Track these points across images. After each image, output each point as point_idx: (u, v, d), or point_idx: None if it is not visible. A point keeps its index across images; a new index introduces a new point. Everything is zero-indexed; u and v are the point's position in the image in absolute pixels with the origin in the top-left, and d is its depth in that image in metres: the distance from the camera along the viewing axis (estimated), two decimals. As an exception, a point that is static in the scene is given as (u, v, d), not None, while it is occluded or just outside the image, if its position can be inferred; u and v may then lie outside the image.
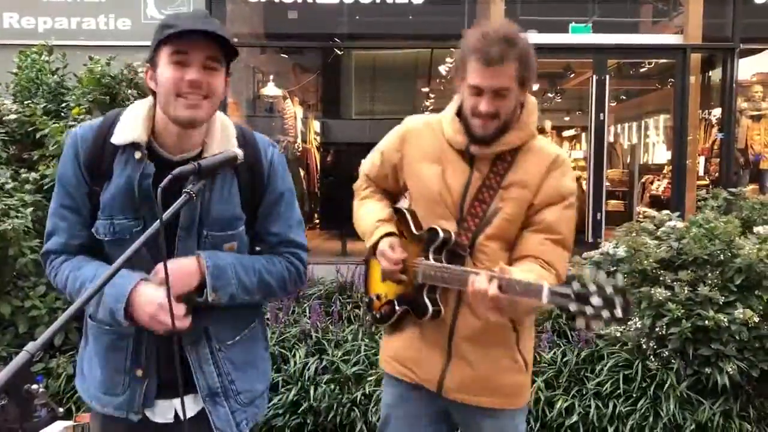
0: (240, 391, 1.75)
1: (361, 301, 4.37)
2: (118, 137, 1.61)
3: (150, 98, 1.66)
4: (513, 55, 1.77)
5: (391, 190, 2.18)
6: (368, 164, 2.19)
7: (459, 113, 1.95)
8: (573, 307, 1.59)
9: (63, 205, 1.68)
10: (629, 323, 3.77)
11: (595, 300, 1.56)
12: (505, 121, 1.87)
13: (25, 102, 4.37)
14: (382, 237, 1.99)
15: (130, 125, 1.62)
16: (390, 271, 1.97)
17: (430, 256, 1.90)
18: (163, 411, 1.71)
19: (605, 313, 1.55)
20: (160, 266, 1.50)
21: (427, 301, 1.92)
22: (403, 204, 2.16)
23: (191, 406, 1.70)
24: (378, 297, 2.12)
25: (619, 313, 1.54)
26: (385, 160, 2.11)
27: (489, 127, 1.86)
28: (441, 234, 1.89)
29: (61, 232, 1.69)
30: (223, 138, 1.67)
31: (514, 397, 2.03)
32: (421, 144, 2.01)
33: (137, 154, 1.60)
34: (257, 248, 1.80)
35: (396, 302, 2.04)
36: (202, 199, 1.63)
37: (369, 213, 2.10)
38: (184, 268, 1.60)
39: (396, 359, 2.07)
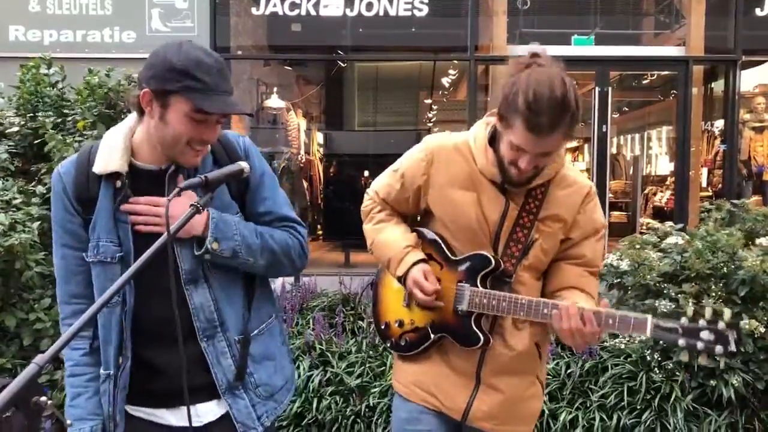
0: (259, 384, 1.77)
1: (364, 322, 4.34)
2: (99, 167, 1.64)
3: (125, 125, 1.69)
4: (564, 123, 1.65)
5: (408, 213, 2.05)
6: (383, 186, 2.03)
7: (491, 141, 1.84)
8: (681, 342, 1.63)
9: (62, 244, 1.71)
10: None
11: (706, 335, 1.60)
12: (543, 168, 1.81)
13: (29, 115, 4.38)
14: (414, 264, 1.90)
15: (109, 156, 1.65)
16: (425, 301, 1.89)
17: (478, 283, 1.85)
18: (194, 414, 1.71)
19: (718, 348, 1.59)
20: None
21: (477, 330, 1.85)
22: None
23: (214, 409, 1.73)
24: (400, 323, 2.00)
25: (733, 347, 1.58)
26: (407, 183, 1.96)
27: (524, 177, 1.80)
28: (492, 260, 1.83)
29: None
30: None
31: (532, 423, 2.04)
32: (451, 168, 1.89)
33: (117, 183, 1.65)
34: None
35: (430, 329, 1.94)
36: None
37: (392, 238, 1.97)
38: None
39: (418, 386, 1.98)
